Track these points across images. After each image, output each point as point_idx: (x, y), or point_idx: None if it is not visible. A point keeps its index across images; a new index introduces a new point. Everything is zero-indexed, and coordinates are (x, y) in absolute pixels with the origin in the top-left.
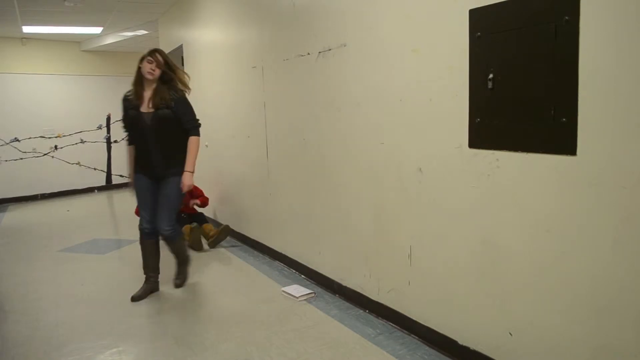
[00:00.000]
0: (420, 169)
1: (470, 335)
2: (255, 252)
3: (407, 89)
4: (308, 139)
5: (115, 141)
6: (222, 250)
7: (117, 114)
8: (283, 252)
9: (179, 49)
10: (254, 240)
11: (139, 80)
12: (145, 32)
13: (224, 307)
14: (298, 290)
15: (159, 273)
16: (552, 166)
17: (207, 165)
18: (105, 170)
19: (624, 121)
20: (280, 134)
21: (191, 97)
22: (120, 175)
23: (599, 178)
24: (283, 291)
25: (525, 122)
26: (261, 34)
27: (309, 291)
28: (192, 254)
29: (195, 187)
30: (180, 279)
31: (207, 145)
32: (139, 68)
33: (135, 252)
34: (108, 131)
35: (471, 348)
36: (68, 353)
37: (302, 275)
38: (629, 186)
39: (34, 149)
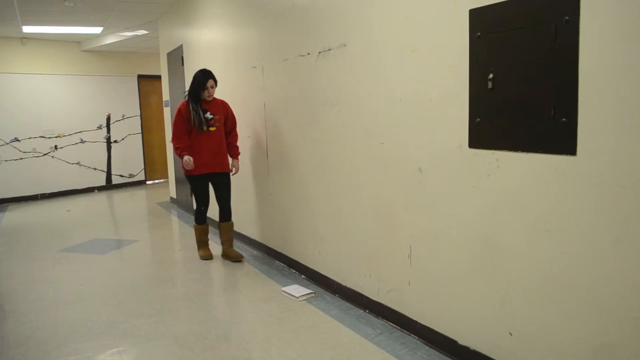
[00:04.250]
0: (420, 169)
1: (470, 335)
2: (255, 252)
3: (407, 89)
4: (308, 139)
5: (115, 141)
6: (222, 250)
7: (117, 113)
8: (283, 252)
9: (179, 49)
10: (254, 240)
11: None
12: (145, 32)
13: (223, 307)
14: (298, 290)
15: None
16: (552, 166)
17: None
18: (105, 170)
19: (624, 121)
20: (280, 134)
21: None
22: (120, 175)
23: (599, 178)
24: (283, 291)
25: (525, 122)
26: (261, 34)
27: (309, 291)
28: (193, 254)
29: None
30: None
31: None
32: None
33: (135, 252)
34: (108, 131)
35: (471, 348)
36: (68, 353)
37: (302, 275)
38: (629, 186)
39: (34, 149)
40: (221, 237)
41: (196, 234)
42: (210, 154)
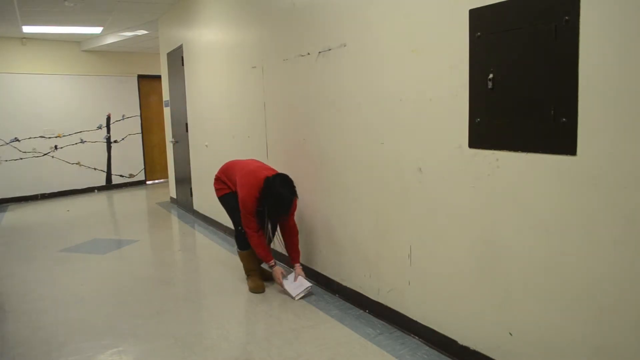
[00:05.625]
0: (420, 169)
1: (470, 335)
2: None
3: (407, 89)
4: (308, 139)
5: (115, 141)
6: (222, 250)
7: (117, 113)
8: (283, 252)
9: (179, 49)
10: None
11: None
12: (145, 32)
13: (224, 307)
14: (294, 288)
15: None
16: (552, 166)
17: (207, 166)
18: (105, 170)
19: (624, 121)
20: (280, 134)
21: (191, 97)
22: (120, 175)
23: (599, 178)
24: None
25: (525, 122)
26: (261, 34)
27: (306, 285)
28: (193, 254)
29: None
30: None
31: (207, 145)
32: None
33: (135, 252)
34: (108, 131)
35: (471, 348)
36: (68, 353)
37: None
38: (629, 186)
39: (34, 149)
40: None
41: (243, 262)
42: None
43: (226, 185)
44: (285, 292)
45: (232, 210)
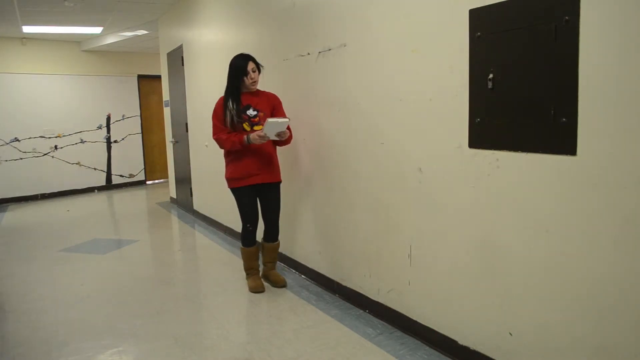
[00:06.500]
0: (420, 169)
1: (470, 335)
2: None
3: (407, 89)
4: (308, 139)
5: (115, 141)
6: (222, 250)
7: (117, 113)
8: (283, 252)
9: (179, 49)
10: None
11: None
12: (145, 32)
13: (224, 307)
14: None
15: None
16: (552, 166)
17: (207, 165)
18: (105, 170)
19: (624, 121)
20: None
21: (191, 97)
22: (120, 175)
23: (599, 178)
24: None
25: (525, 122)
26: (261, 34)
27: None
28: (193, 254)
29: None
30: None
31: (207, 145)
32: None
33: (135, 252)
34: (108, 131)
35: (471, 348)
36: (68, 353)
37: (302, 276)
38: (629, 186)
39: (34, 149)
40: (263, 257)
41: (244, 259)
42: (257, 162)
43: (236, 169)
44: (265, 129)
45: (240, 205)
